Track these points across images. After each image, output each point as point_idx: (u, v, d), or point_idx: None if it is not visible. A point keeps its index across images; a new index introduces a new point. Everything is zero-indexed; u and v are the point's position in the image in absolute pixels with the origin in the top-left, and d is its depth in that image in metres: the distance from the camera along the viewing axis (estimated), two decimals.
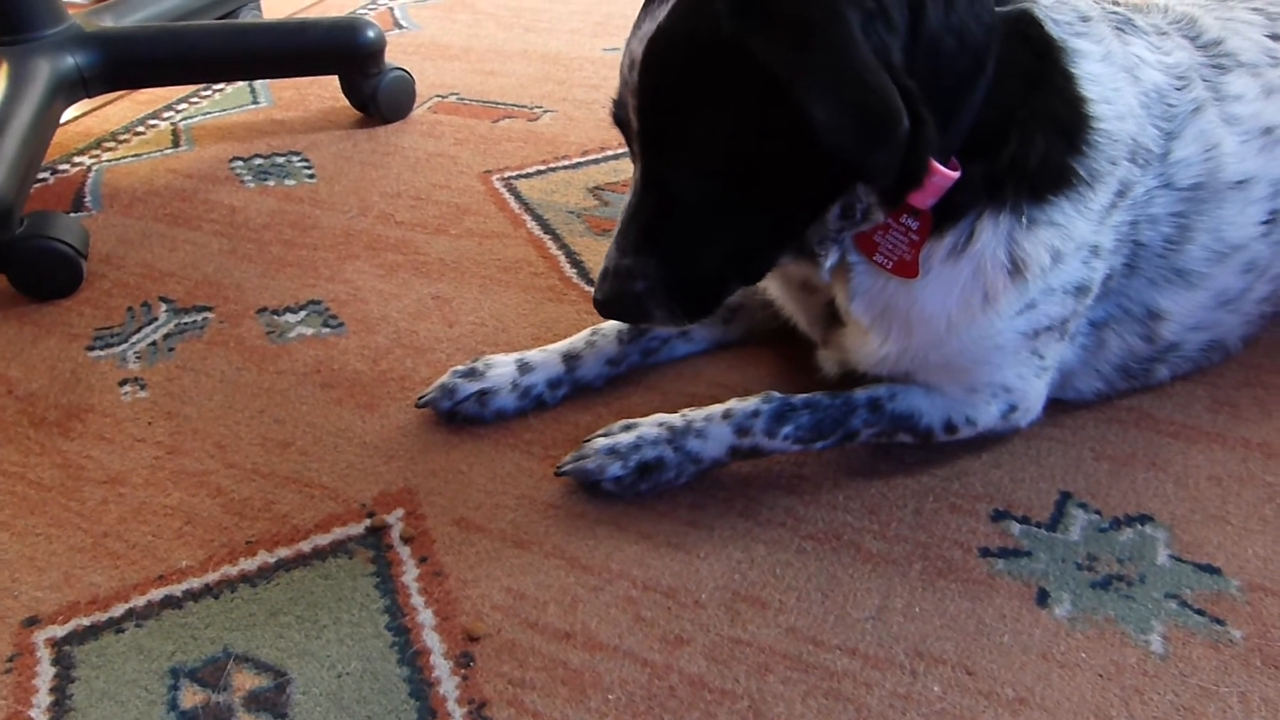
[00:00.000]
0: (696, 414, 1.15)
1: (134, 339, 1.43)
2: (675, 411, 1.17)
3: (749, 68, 0.86)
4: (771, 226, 1.01)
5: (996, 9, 1.00)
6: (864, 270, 1.07)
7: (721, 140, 0.93)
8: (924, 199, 0.99)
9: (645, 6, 0.96)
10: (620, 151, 1.85)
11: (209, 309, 1.48)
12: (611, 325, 1.31)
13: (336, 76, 2.01)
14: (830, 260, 1.06)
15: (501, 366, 1.26)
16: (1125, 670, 0.95)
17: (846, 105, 0.84)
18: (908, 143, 0.86)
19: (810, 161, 0.92)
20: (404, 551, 1.09)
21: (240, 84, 2.19)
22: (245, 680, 0.97)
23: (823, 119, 0.83)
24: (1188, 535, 1.08)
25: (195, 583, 1.07)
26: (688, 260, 1.02)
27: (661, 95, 0.94)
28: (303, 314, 1.46)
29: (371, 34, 1.91)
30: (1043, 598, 1.02)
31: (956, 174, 0.98)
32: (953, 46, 0.94)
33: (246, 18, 2.27)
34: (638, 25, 0.96)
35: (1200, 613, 1.00)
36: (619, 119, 1.01)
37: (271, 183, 1.81)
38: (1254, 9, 1.23)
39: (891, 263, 1.04)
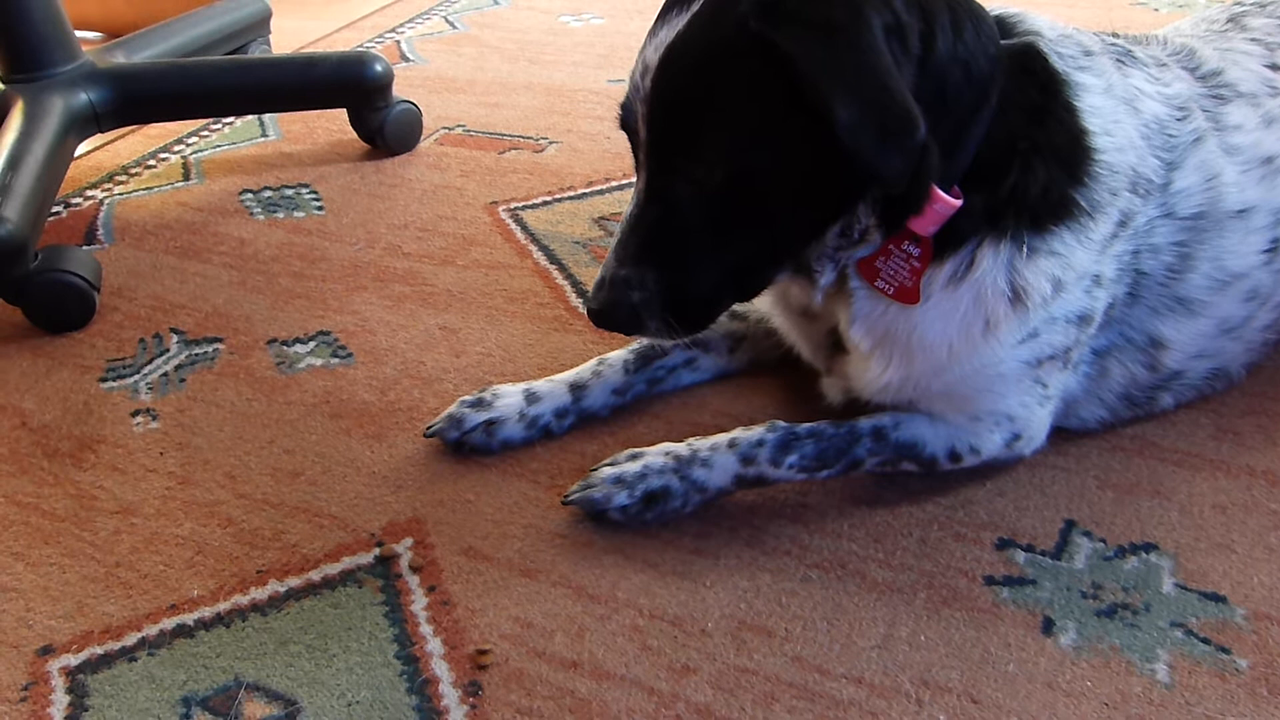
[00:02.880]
0: (702, 443, 1.16)
1: (145, 370, 1.44)
2: (681, 441, 1.18)
3: (769, 73, 0.89)
4: (773, 242, 1.02)
5: (1002, 42, 1.02)
6: (865, 296, 1.09)
7: (733, 149, 0.94)
8: (925, 226, 1.01)
9: (662, 16, 0.98)
10: (625, 182, 1.86)
11: (219, 340, 1.49)
12: (618, 355, 1.32)
13: (345, 110, 2.04)
14: (826, 279, 1.08)
15: (509, 397, 1.28)
16: (1131, 699, 0.95)
17: (868, 106, 0.86)
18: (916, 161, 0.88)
19: (821, 171, 0.94)
20: (412, 581, 1.10)
21: (249, 118, 2.22)
22: (256, 709, 0.98)
23: (844, 118, 0.85)
24: (1193, 564, 1.09)
25: (206, 612, 1.08)
26: (687, 274, 1.02)
27: (674, 102, 0.96)
28: (312, 345, 1.48)
29: (379, 68, 1.93)
30: (1048, 626, 1.03)
31: (958, 202, 0.99)
32: (959, 77, 0.96)
33: (256, 53, 2.30)
34: (653, 34, 0.97)
35: (1206, 641, 1.01)
36: (626, 125, 1.02)
37: (280, 215, 1.83)
38: (1252, 39, 1.25)
39: (893, 288, 1.05)
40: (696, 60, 0.93)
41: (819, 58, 0.86)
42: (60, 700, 1.00)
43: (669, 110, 0.96)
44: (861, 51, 0.85)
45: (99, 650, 1.04)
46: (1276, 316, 1.25)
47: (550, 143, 2.06)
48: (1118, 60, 1.12)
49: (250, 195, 1.90)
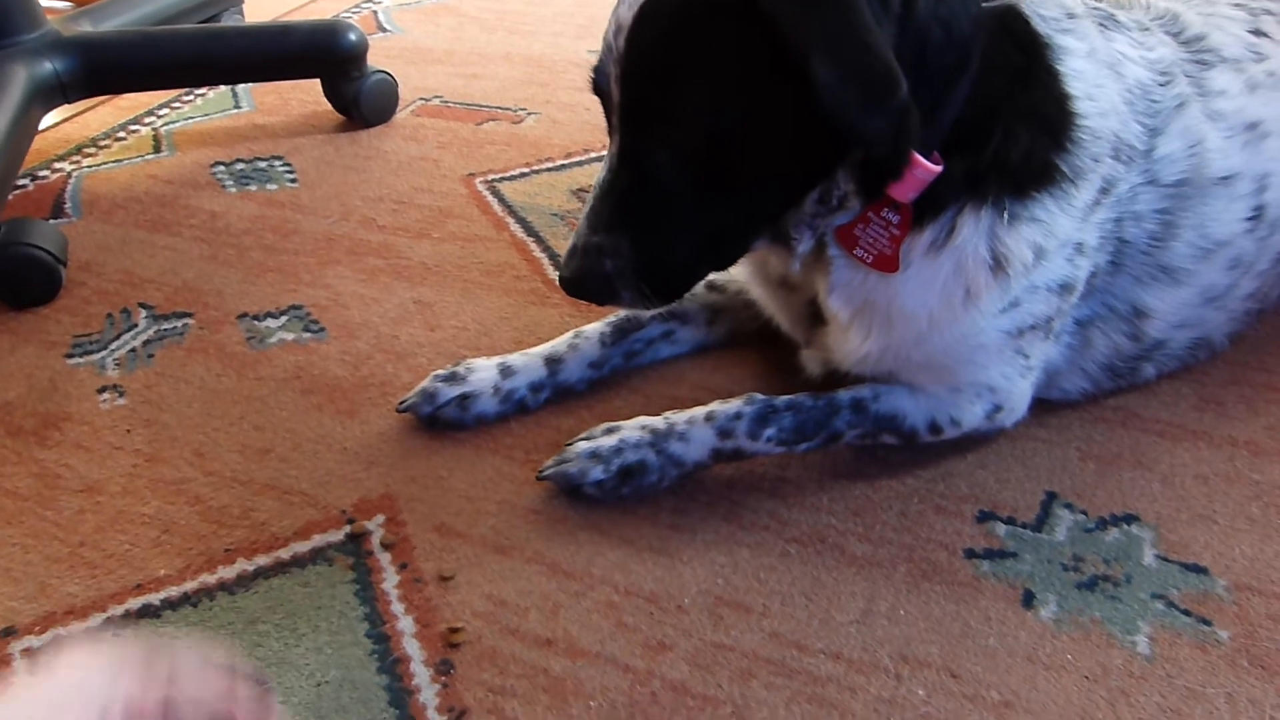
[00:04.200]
0: (679, 416, 1.14)
1: (113, 346, 1.41)
2: (658, 414, 1.16)
3: (749, 32, 0.86)
4: (751, 208, 1.00)
5: (984, 3, 0.99)
6: (844, 264, 1.07)
7: (711, 111, 0.92)
8: (905, 192, 0.98)
9: None
10: (604, 154, 1.83)
11: (189, 315, 1.47)
12: (594, 328, 1.30)
13: (319, 80, 2.00)
14: (804, 247, 1.05)
15: (483, 370, 1.25)
16: (1111, 672, 0.94)
17: (850, 65, 0.83)
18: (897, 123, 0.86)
19: (801, 135, 0.91)
20: (384, 558, 1.08)
21: (222, 88, 2.18)
22: None
23: (825, 77, 0.82)
24: (1174, 535, 1.08)
25: (173, 591, 1.06)
26: (662, 241, 1.00)
27: (649, 63, 0.92)
28: (283, 319, 1.45)
29: (353, 37, 1.90)
30: (1028, 599, 1.01)
31: (938, 168, 0.97)
32: (940, 38, 0.94)
33: (228, 22, 2.26)
34: None
35: (1187, 613, 1.00)
36: (599, 88, 0.99)
37: (253, 187, 1.79)
38: (1236, 4, 1.23)
39: (871, 256, 1.03)
40: (674, 18, 0.90)
41: (799, 16, 0.83)
42: None
43: (644, 70, 0.93)
44: (842, 9, 0.83)
45: (63, 632, 1.02)
46: (1259, 285, 1.24)
47: (529, 114, 2.02)
48: (1101, 24, 1.10)
49: (222, 168, 1.86)
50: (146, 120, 2.06)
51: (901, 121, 0.88)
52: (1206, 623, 0.99)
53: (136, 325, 1.45)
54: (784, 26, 0.84)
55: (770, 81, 0.88)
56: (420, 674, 0.96)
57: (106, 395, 1.32)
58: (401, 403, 1.25)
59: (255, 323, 1.44)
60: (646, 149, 0.96)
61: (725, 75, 0.90)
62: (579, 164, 1.83)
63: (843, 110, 0.84)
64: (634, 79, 0.94)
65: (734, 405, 1.13)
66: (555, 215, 1.67)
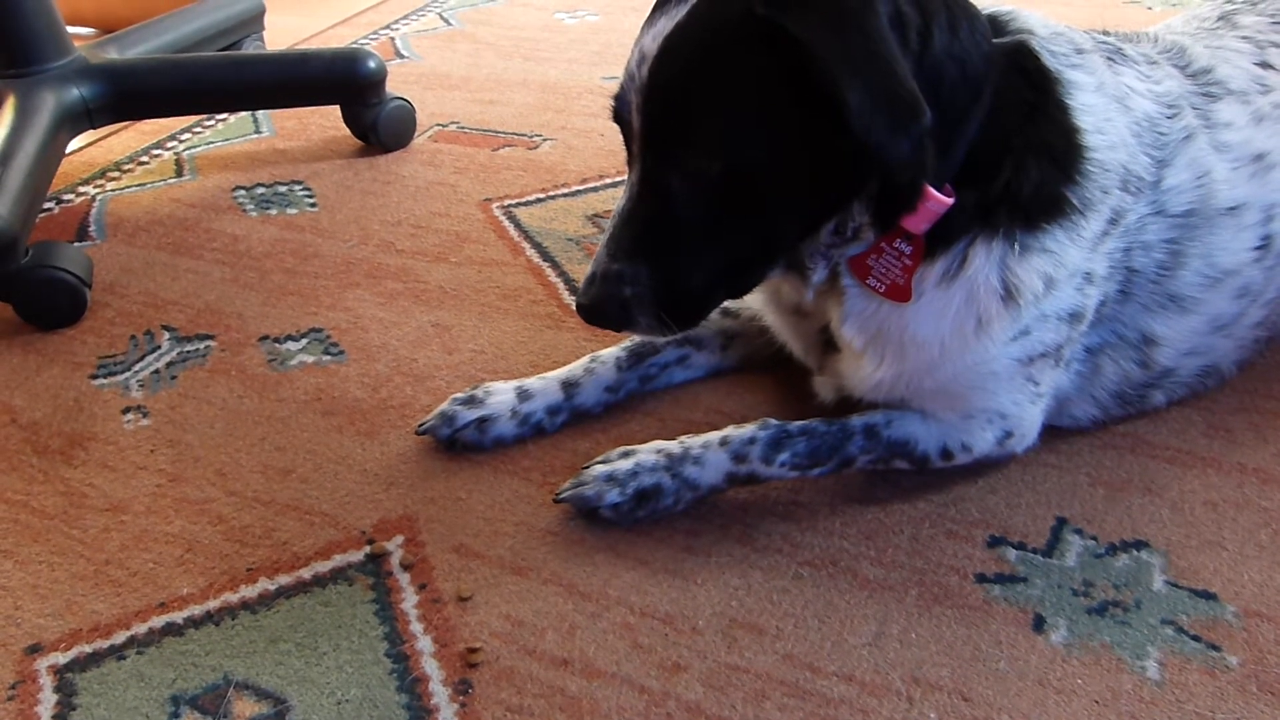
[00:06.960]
0: (694, 441, 1.16)
1: (137, 367, 1.44)
2: (673, 438, 1.17)
3: (774, 61, 0.88)
4: (769, 237, 1.02)
5: (995, 40, 1.02)
6: (857, 294, 1.09)
7: (733, 141, 0.94)
8: (917, 224, 1.00)
9: (659, 7, 0.97)
10: (619, 179, 1.86)
11: (211, 337, 1.49)
12: (610, 352, 1.32)
13: (338, 106, 2.03)
14: (818, 276, 1.07)
15: (501, 394, 1.27)
16: (1121, 697, 0.95)
17: (878, 91, 0.85)
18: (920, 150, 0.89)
19: (821, 165, 0.94)
20: (403, 578, 1.10)
21: (243, 114, 2.21)
22: (245, 707, 0.97)
23: (855, 102, 0.84)
24: (1184, 561, 1.09)
25: (196, 610, 1.07)
26: (680, 268, 1.01)
27: (673, 91, 0.94)
28: (304, 342, 1.47)
29: (372, 64, 1.93)
30: (1039, 624, 1.03)
31: (950, 200, 0.99)
32: (954, 75, 0.96)
33: (249, 49, 2.29)
34: (650, 24, 0.96)
35: (1196, 639, 1.01)
36: (619, 116, 1.01)
37: (273, 211, 1.82)
38: (1243, 37, 1.25)
39: (884, 286, 1.05)
40: (698, 48, 0.92)
41: (830, 41, 0.86)
42: (48, 699, 0.99)
43: (667, 100, 0.95)
44: (870, 37, 0.85)
45: (88, 649, 1.04)
46: (1267, 314, 1.25)
47: (544, 140, 2.05)
48: (1109, 58, 1.12)
49: (243, 192, 1.90)
50: (169, 145, 2.10)
51: (918, 152, 0.90)
52: (1216, 648, 1.00)
53: (160, 347, 1.48)
54: (815, 51, 0.86)
55: (793, 112, 0.90)
56: (439, 693, 0.98)
57: (131, 416, 1.35)
58: (421, 425, 1.27)
59: (276, 345, 1.47)
60: (667, 178, 0.98)
61: (748, 105, 0.92)
62: (594, 189, 1.85)
63: (870, 134, 0.86)
64: (656, 108, 0.96)
65: (748, 430, 1.15)
66: (571, 240, 1.69)
